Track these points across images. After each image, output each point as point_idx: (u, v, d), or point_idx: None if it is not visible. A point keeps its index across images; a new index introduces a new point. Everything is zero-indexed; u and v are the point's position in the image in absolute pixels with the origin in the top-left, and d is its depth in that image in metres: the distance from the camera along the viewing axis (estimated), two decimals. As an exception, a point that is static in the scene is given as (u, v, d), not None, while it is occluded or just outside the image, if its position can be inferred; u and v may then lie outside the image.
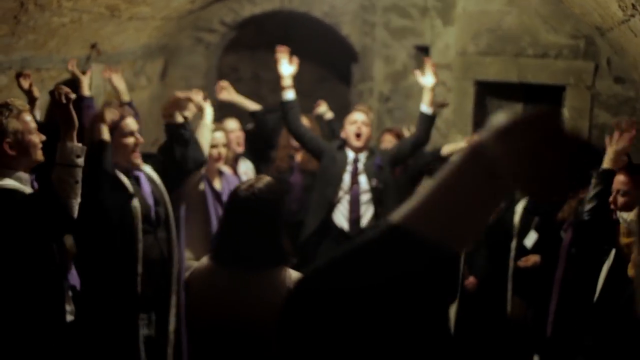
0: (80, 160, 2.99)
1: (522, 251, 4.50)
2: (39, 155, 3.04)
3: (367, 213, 4.85)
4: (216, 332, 2.66)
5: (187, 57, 7.13)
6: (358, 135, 4.88)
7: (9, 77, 4.03)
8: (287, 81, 4.93)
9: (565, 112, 5.01)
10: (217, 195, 4.34)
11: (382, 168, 4.86)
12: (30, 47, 4.06)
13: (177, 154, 3.94)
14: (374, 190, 4.84)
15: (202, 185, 4.27)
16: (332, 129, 5.59)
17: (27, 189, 2.97)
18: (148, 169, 3.78)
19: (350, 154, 4.94)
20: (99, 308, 3.46)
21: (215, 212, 4.28)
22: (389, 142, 5.35)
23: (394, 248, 0.89)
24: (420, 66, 6.04)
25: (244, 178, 4.71)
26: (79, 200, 2.97)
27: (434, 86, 4.92)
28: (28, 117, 3.03)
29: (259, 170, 5.16)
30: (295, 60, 4.98)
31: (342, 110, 8.29)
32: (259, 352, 2.52)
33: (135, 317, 3.58)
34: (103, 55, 4.98)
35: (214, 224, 4.24)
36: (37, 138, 3.03)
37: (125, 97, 4.59)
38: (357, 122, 4.91)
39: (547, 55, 5.40)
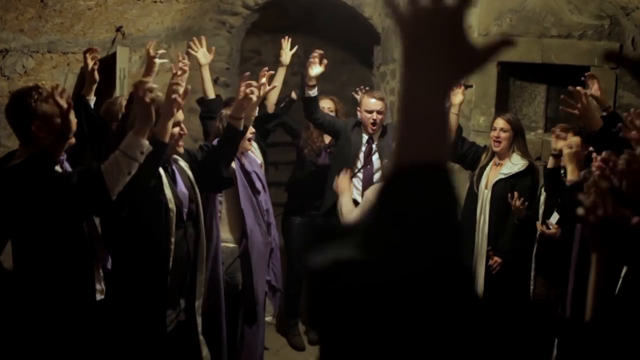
0: (142, 157, 3.02)
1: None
2: (70, 137, 3.06)
3: None
4: None
5: (210, 40, 7.14)
6: (373, 124, 5.12)
7: (36, 60, 4.10)
8: (313, 81, 5.08)
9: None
10: (247, 174, 4.35)
11: None
12: (57, 31, 4.12)
13: (219, 164, 3.98)
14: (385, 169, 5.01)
15: (233, 164, 4.26)
16: None
17: (57, 169, 3.03)
18: (183, 163, 3.73)
19: (365, 135, 5.20)
20: (127, 297, 3.50)
21: (245, 190, 4.29)
22: None
23: (403, 189, 0.94)
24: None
25: (256, 159, 4.73)
26: (120, 189, 3.00)
27: (460, 104, 5.00)
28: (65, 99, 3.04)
29: (263, 150, 5.18)
30: (325, 61, 5.09)
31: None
32: None
33: (163, 313, 3.57)
34: (128, 38, 5.04)
35: (244, 202, 4.26)
36: (72, 119, 3.03)
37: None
38: (373, 112, 5.11)
39: (571, 35, 5.36)
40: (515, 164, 4.74)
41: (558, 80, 5.72)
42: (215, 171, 3.87)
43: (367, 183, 5.12)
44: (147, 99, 3.00)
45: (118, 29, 4.86)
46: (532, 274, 4.60)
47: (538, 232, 4.57)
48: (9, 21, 3.63)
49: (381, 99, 5.17)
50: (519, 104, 5.91)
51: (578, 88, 3.81)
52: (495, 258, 4.69)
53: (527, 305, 4.61)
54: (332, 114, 5.56)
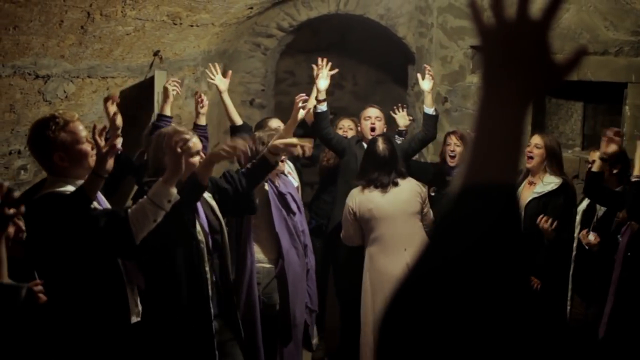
0: (169, 206, 3.07)
1: (582, 252, 4.46)
2: (92, 162, 3.09)
3: None
4: None
5: (246, 62, 7.26)
6: (372, 130, 5.37)
7: (77, 85, 4.19)
8: (322, 95, 5.22)
9: (627, 110, 4.97)
10: (280, 195, 4.38)
11: None
12: (97, 56, 4.21)
13: (245, 189, 4.04)
14: None
15: (266, 186, 4.31)
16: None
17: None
18: (206, 194, 3.73)
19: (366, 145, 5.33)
20: (168, 323, 3.54)
21: (278, 213, 4.33)
22: (454, 144, 5.37)
23: (469, 209, 0.92)
24: (477, 66, 6.03)
25: (290, 178, 4.78)
26: (144, 235, 3.04)
27: (432, 89, 5.40)
28: (78, 127, 3.08)
29: (298, 169, 5.26)
30: (333, 71, 5.28)
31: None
32: None
33: (211, 340, 3.60)
34: (165, 62, 5.13)
35: (278, 225, 4.30)
36: (87, 147, 3.08)
37: (201, 122, 4.84)
38: (370, 117, 5.43)
39: (608, 52, 5.32)
40: (548, 183, 4.69)
41: (595, 98, 5.67)
42: (241, 198, 3.92)
43: None
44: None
45: (155, 53, 4.94)
46: (569, 294, 4.54)
47: (574, 253, 4.52)
48: (51, 48, 3.72)
49: (378, 109, 5.51)
50: (555, 121, 5.86)
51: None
52: (532, 278, 4.64)
53: (563, 325, 4.55)
54: (352, 131, 5.73)
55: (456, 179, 0.97)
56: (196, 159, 3.58)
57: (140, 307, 3.34)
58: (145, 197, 3.05)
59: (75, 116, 3.15)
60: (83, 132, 3.11)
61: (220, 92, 5.10)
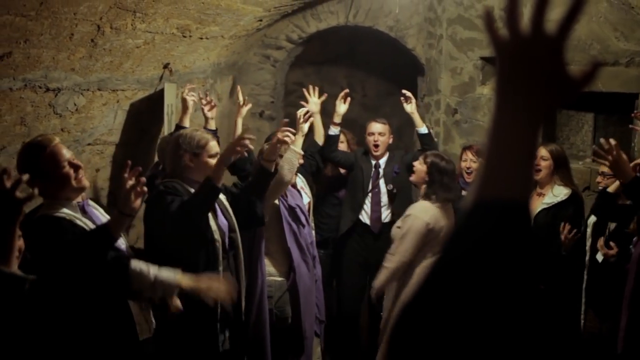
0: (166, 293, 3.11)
1: (595, 265, 4.43)
2: (79, 182, 3.05)
3: (386, 212, 5.56)
4: None
5: (255, 74, 7.27)
6: (376, 146, 5.52)
7: (87, 97, 4.20)
8: (339, 119, 5.40)
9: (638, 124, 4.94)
10: (291, 209, 4.39)
11: (399, 174, 5.53)
12: (107, 69, 4.23)
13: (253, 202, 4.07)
14: (390, 193, 5.53)
15: (277, 200, 4.34)
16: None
17: (79, 216, 3.04)
18: (221, 195, 3.78)
19: (373, 160, 5.59)
20: (179, 327, 3.53)
21: (289, 227, 4.34)
22: (470, 160, 5.34)
23: (482, 225, 0.90)
24: (487, 78, 6.02)
25: (302, 193, 4.78)
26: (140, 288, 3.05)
27: (415, 110, 5.49)
28: (57, 151, 3.01)
29: (310, 185, 5.27)
30: (349, 99, 5.44)
31: (409, 123, 8.29)
32: None
33: (215, 342, 3.65)
34: (175, 74, 5.14)
35: (289, 238, 4.31)
36: (68, 170, 3.01)
37: (211, 126, 4.88)
38: (374, 134, 5.53)
39: (618, 63, 5.29)
40: (557, 194, 4.67)
41: (605, 108, 5.64)
42: (248, 209, 3.93)
43: (375, 205, 5.55)
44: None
45: (165, 66, 4.96)
46: (583, 307, 4.50)
47: (586, 266, 4.49)
48: (61, 61, 3.74)
49: (383, 123, 5.58)
50: (566, 132, 5.83)
51: (611, 140, 3.75)
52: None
53: (577, 339, 4.50)
54: (343, 144, 5.80)
55: (468, 194, 0.96)
56: (214, 161, 3.65)
57: (153, 323, 3.32)
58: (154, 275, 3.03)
59: (54, 140, 3.06)
60: (63, 155, 3.02)
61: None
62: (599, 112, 5.71)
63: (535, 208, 4.71)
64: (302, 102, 5.11)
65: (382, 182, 5.56)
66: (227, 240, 3.74)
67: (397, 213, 5.45)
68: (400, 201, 5.50)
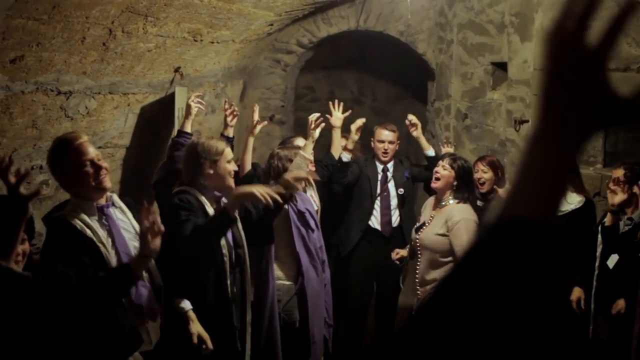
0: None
1: (605, 272, 4.41)
2: (100, 183, 3.02)
3: (395, 215, 5.57)
4: None
5: (266, 78, 7.29)
6: (385, 153, 5.52)
7: (98, 101, 4.23)
8: (352, 145, 5.36)
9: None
10: (300, 214, 4.40)
11: (409, 179, 5.61)
12: (118, 72, 4.25)
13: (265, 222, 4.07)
14: (400, 197, 5.54)
15: (285, 205, 4.33)
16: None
17: (93, 224, 3.02)
18: None
19: (379, 165, 5.59)
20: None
21: (298, 232, 4.34)
22: (481, 171, 5.29)
23: (502, 244, 0.89)
24: (497, 83, 6.01)
25: (312, 201, 4.77)
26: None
27: (420, 134, 5.51)
28: (83, 149, 3.01)
29: (318, 187, 5.26)
30: (347, 113, 5.27)
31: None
32: None
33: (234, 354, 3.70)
34: (186, 78, 5.16)
35: (298, 244, 4.32)
36: (89, 169, 2.99)
37: (229, 133, 4.91)
38: (384, 142, 5.52)
39: (630, 68, 5.27)
40: (570, 202, 4.66)
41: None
42: (260, 227, 3.99)
43: (384, 209, 5.55)
44: None
45: (176, 70, 4.98)
46: (592, 313, 4.48)
47: (596, 272, 4.48)
48: (73, 64, 3.76)
49: (393, 131, 5.57)
50: (576, 138, 5.82)
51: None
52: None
53: (585, 346, 4.48)
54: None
55: (493, 209, 0.94)
56: (230, 166, 3.72)
57: (151, 337, 3.29)
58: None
59: (80, 138, 3.05)
60: (87, 153, 3.00)
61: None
62: (610, 118, 5.68)
63: None
64: (327, 116, 5.10)
65: (391, 185, 5.57)
66: (233, 255, 3.76)
67: (405, 218, 5.57)
68: (409, 207, 5.55)
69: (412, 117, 5.52)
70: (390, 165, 5.61)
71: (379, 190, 5.55)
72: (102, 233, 3.05)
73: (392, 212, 5.57)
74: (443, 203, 4.49)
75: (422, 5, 6.87)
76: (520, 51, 5.86)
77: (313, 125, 4.65)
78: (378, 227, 5.55)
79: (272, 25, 6.02)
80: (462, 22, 6.29)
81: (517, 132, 5.83)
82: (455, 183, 4.44)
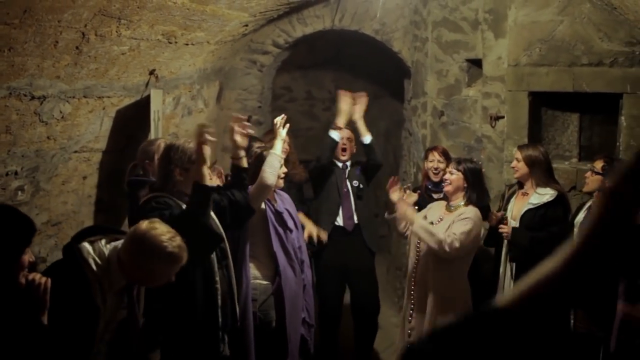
0: None
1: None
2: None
3: (355, 210, 5.72)
4: None
5: (242, 79, 7.27)
6: (344, 150, 5.71)
7: (73, 105, 4.19)
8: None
9: (623, 121, 4.97)
10: (278, 214, 4.40)
11: (361, 174, 5.78)
12: (92, 76, 4.22)
13: (237, 196, 4.05)
14: (356, 189, 5.72)
15: (263, 205, 4.34)
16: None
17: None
18: None
19: (339, 164, 5.76)
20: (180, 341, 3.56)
21: (275, 231, 4.34)
22: (437, 160, 5.33)
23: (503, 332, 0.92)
24: (472, 80, 6.05)
25: (285, 196, 4.75)
26: None
27: (360, 118, 5.71)
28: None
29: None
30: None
31: (397, 126, 8.31)
32: None
33: (217, 350, 3.73)
34: (161, 80, 5.13)
35: (275, 243, 4.32)
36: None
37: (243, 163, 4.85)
38: (342, 138, 5.64)
39: (602, 63, 5.33)
40: (543, 194, 4.72)
41: (590, 108, 5.68)
42: (237, 206, 4.01)
43: (347, 204, 5.71)
44: None
45: (151, 72, 4.95)
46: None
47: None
48: (46, 69, 3.73)
49: (347, 128, 5.72)
50: (551, 133, 5.87)
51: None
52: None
53: (568, 338, 4.51)
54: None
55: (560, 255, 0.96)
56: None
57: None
58: None
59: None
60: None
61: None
62: (584, 113, 5.74)
63: (521, 208, 4.76)
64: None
65: (348, 182, 5.74)
66: (217, 250, 3.78)
67: (361, 213, 5.74)
68: (365, 198, 5.78)
69: (342, 92, 5.74)
70: (348, 164, 5.80)
71: (342, 189, 5.70)
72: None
73: (353, 207, 5.71)
74: (453, 206, 4.52)
75: (397, 4, 6.90)
76: (494, 48, 5.91)
77: (279, 125, 4.54)
78: (341, 223, 5.68)
79: (247, 26, 6.01)
80: (437, 20, 6.32)
81: (493, 128, 5.87)
82: (465, 185, 4.49)
